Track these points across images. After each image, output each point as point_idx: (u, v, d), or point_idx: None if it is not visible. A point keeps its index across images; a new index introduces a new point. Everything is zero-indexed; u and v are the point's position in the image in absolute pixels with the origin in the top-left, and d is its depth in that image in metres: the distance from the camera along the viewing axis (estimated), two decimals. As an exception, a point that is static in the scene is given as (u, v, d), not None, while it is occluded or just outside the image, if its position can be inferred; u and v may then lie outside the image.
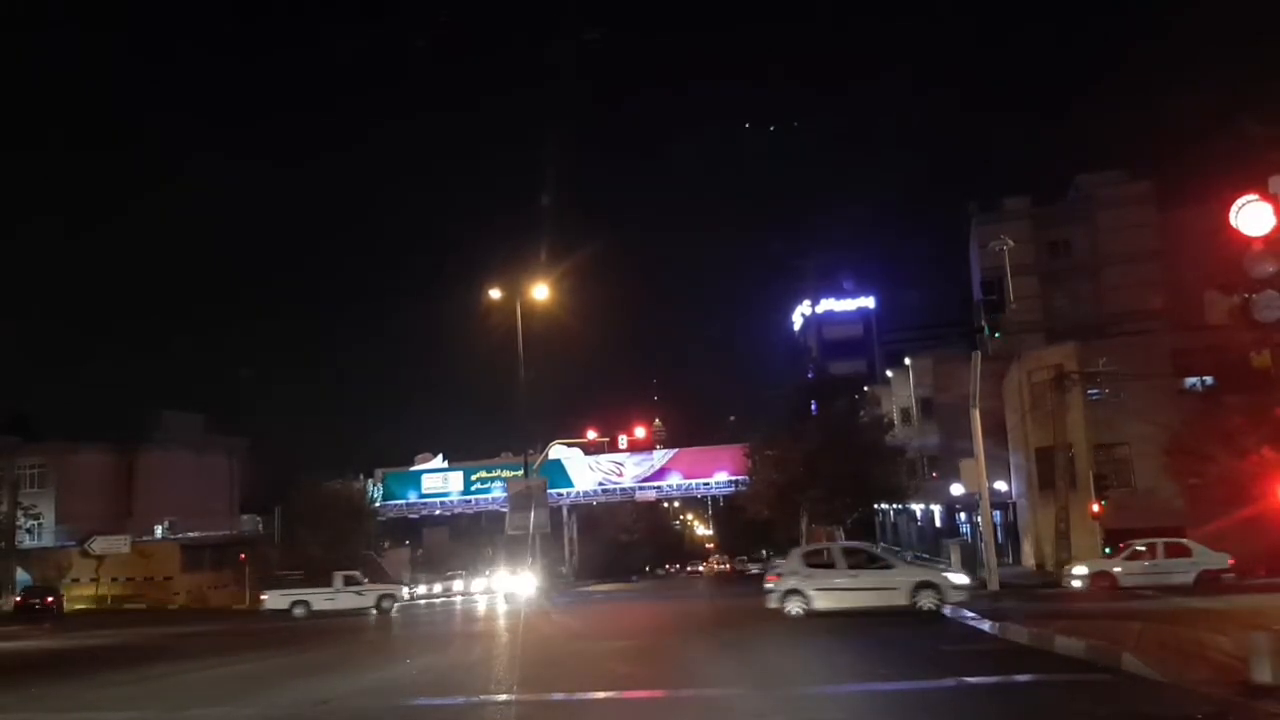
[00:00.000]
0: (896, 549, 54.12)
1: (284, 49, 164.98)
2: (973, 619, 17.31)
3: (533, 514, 30.91)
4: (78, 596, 46.94)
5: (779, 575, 20.46)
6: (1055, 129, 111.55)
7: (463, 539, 73.08)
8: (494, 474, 68.73)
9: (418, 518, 73.48)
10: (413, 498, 73.06)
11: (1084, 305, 46.98)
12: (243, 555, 49.43)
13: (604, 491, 71.54)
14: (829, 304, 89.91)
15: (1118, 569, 26.12)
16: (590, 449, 70.16)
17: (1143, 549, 26.52)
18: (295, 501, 48.93)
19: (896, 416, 51.67)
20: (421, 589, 54.35)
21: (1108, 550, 29.86)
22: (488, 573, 56.38)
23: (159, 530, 56.19)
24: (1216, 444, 27.24)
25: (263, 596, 35.29)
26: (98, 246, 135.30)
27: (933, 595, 19.00)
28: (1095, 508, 30.85)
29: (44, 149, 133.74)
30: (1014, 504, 41.44)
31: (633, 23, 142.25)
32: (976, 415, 28.00)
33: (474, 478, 72.20)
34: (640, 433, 70.51)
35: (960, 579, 20.46)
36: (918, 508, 53.82)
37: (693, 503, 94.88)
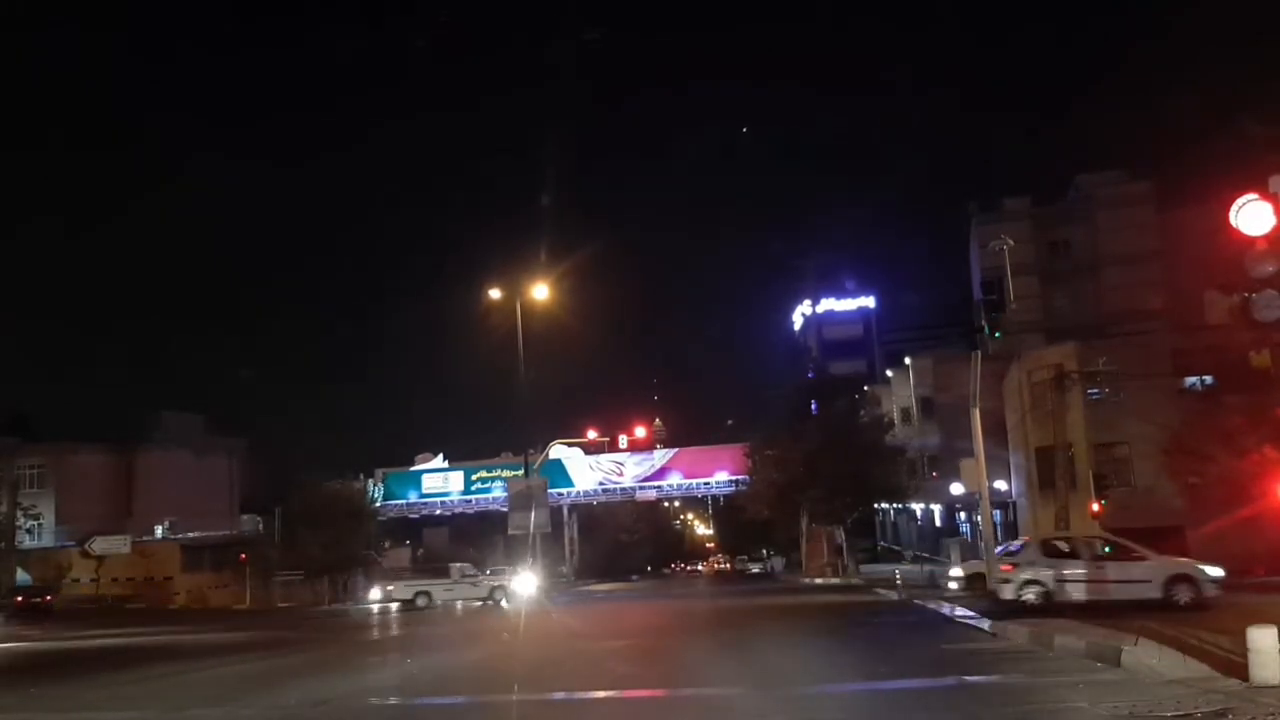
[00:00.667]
0: (896, 548, 54.34)
1: (283, 49, 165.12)
2: (973, 618, 17.32)
3: (533, 514, 30.96)
4: (73, 596, 46.92)
5: (1014, 565, 19.44)
6: (1055, 129, 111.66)
7: (463, 539, 73.10)
8: (494, 474, 68.79)
9: (418, 518, 73.49)
10: (413, 498, 73.08)
11: (1084, 305, 46.98)
12: (243, 555, 49.41)
13: (604, 491, 71.56)
14: (829, 304, 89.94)
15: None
16: (590, 449, 70.25)
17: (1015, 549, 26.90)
18: (295, 501, 48.91)
19: (896, 416, 51.70)
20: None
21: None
22: (488, 572, 56.33)
23: (159, 530, 56.21)
24: (1216, 444, 27.25)
25: (389, 587, 37.32)
26: (97, 246, 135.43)
27: (1189, 589, 17.90)
28: (1095, 507, 30.80)
29: (44, 149, 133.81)
30: (1014, 503, 41.45)
31: (633, 23, 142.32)
32: (976, 415, 28.00)
33: (474, 477, 72.24)
34: (640, 432, 70.68)
35: (1216, 571, 18.98)
36: (918, 507, 53.85)
37: (693, 502, 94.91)
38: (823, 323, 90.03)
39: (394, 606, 34.97)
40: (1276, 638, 8.34)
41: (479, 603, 34.38)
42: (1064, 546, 20.20)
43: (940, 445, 46.87)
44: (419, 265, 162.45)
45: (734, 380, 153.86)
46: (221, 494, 63.24)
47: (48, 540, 52.65)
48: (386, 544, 60.01)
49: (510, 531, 32.95)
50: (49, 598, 42.07)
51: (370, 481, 67.82)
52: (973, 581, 25.56)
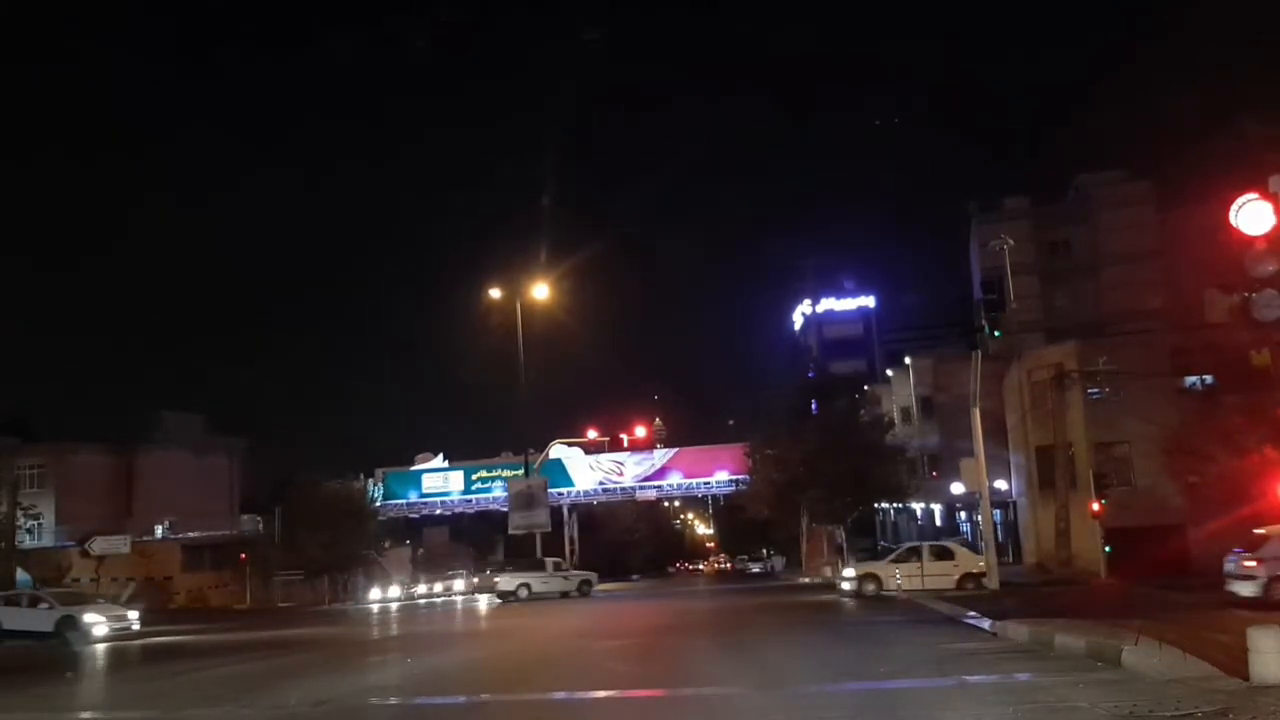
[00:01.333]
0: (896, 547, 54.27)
1: (281, 53, 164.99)
2: (973, 618, 17.32)
3: (534, 513, 31.02)
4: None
5: (1260, 560, 17.88)
6: (1055, 129, 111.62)
7: (463, 538, 73.11)
8: (495, 473, 68.76)
9: (418, 517, 73.43)
10: (413, 497, 73.01)
11: (1084, 305, 46.94)
12: (243, 555, 49.41)
13: (604, 491, 71.51)
14: (829, 303, 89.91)
15: (884, 572, 26.89)
16: (591, 448, 70.28)
17: (909, 551, 27.66)
18: (295, 501, 48.89)
19: (897, 416, 51.67)
20: (422, 588, 54.46)
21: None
22: (489, 572, 56.43)
23: (159, 530, 56.18)
24: (1216, 443, 27.25)
25: (496, 580, 39.34)
26: (98, 247, 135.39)
27: None
28: (1095, 506, 30.85)
29: (47, 152, 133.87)
30: (1014, 503, 41.46)
31: (633, 23, 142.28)
32: (976, 414, 28.04)
33: (475, 477, 72.16)
34: (640, 432, 70.77)
35: None
36: (918, 507, 53.81)
37: (693, 502, 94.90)
38: (823, 322, 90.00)
39: (482, 599, 36.78)
40: (1277, 637, 8.34)
41: (559, 595, 36.27)
42: None
43: (940, 445, 46.86)
44: (419, 265, 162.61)
45: (734, 380, 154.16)
46: (221, 494, 63.21)
47: (48, 540, 52.63)
48: (386, 544, 59.96)
49: (510, 531, 33.14)
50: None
51: (370, 481, 67.77)
52: (864, 582, 26.50)
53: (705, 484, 70.65)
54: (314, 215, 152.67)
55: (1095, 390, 34.00)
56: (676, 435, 74.19)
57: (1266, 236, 8.86)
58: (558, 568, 37.98)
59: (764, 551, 78.23)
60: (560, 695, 10.85)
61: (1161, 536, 28.87)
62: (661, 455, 70.55)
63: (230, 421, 67.09)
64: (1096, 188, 48.98)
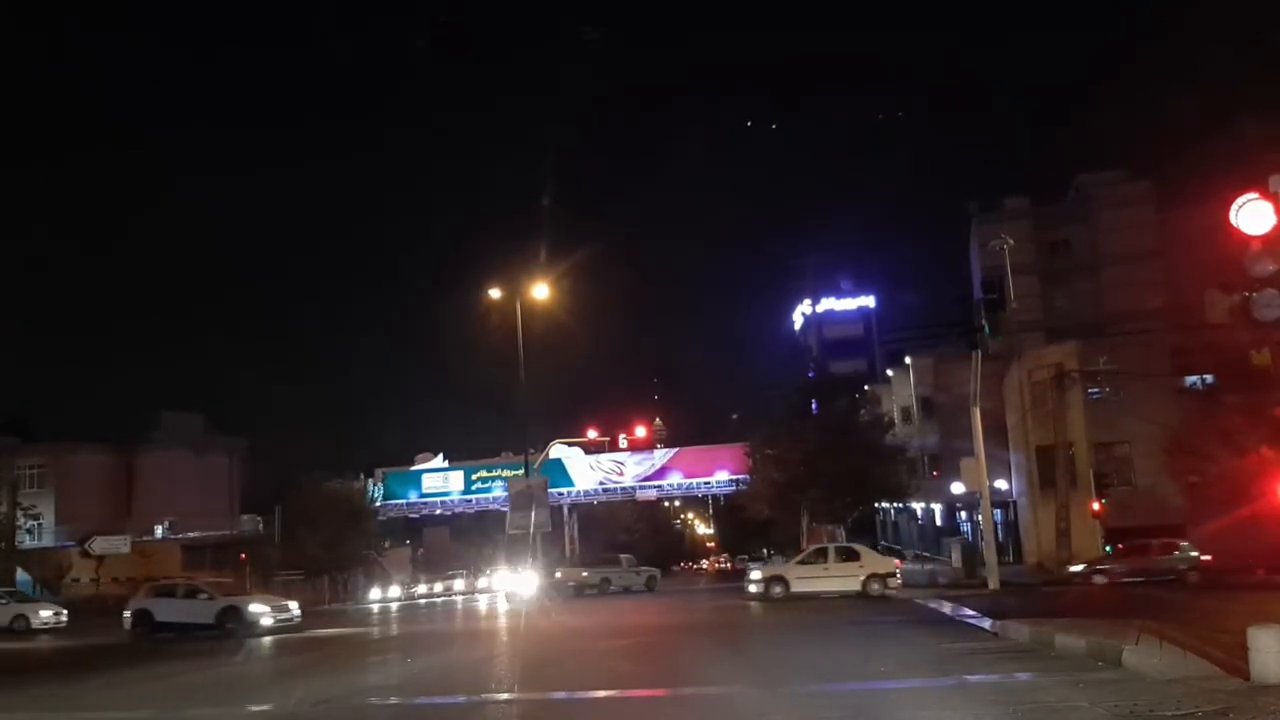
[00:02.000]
0: (897, 547, 54.28)
1: (281, 51, 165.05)
2: (973, 618, 17.32)
3: (534, 513, 30.99)
4: (73, 596, 46.90)
5: None
6: (1055, 129, 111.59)
7: (463, 538, 73.10)
8: (494, 473, 68.78)
9: (418, 517, 73.49)
10: (413, 497, 73.06)
11: (1084, 305, 46.97)
12: (243, 555, 49.40)
13: (605, 491, 71.53)
14: (829, 303, 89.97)
15: (790, 574, 26.83)
16: (591, 448, 70.28)
17: (816, 554, 27.64)
18: (295, 501, 48.91)
19: (897, 416, 51.65)
20: (422, 588, 54.44)
21: (1107, 551, 29.85)
22: (489, 572, 56.46)
23: (159, 530, 56.22)
24: (1216, 443, 27.29)
25: (583, 574, 40.48)
26: (98, 247, 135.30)
27: None
28: (1096, 506, 30.91)
29: (45, 150, 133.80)
30: (1014, 503, 41.47)
31: (633, 23, 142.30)
32: (977, 414, 28.04)
33: (474, 477, 72.22)
34: (641, 432, 70.72)
35: None
36: (918, 506, 53.83)
37: (693, 502, 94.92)
38: (823, 322, 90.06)
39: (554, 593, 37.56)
40: (1277, 636, 8.34)
41: (624, 589, 37.83)
42: None
43: (940, 445, 46.86)
44: (419, 265, 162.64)
45: (734, 380, 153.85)
46: (221, 494, 63.23)
47: (48, 540, 52.64)
48: (386, 544, 60.04)
49: (510, 531, 32.97)
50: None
51: (370, 481, 67.82)
52: (770, 584, 26.51)
53: (705, 484, 70.67)
54: (315, 215, 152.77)
55: (1095, 390, 34.04)
56: (676, 435, 74.34)
57: (1266, 236, 8.87)
58: (631, 564, 40.55)
59: (764, 551, 78.19)
60: (560, 695, 10.85)
61: (1162, 536, 28.90)
62: (661, 455, 70.58)
63: (230, 421, 67.12)
64: (1096, 188, 48.99)
